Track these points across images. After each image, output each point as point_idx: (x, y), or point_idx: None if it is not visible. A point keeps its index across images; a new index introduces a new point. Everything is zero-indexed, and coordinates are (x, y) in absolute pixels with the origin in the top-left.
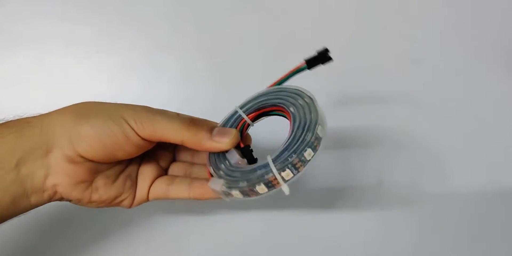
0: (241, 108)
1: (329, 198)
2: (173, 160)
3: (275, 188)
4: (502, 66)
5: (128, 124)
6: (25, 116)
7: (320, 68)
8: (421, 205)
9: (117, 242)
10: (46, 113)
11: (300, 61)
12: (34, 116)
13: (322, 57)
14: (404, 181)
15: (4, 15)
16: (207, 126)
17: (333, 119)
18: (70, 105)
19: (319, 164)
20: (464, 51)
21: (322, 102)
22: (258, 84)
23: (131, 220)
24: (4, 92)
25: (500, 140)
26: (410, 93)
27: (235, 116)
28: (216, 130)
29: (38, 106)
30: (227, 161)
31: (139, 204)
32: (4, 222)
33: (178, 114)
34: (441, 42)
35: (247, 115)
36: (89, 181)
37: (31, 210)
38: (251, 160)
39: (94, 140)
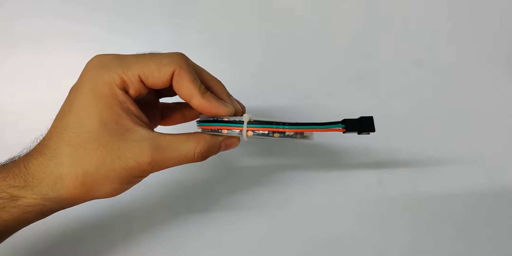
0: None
1: (329, 197)
2: None
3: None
4: (504, 67)
5: None
6: (25, 114)
7: (320, 69)
8: (421, 205)
9: (117, 242)
10: None
11: (300, 62)
12: None
13: (364, 125)
14: (404, 181)
15: (4, 13)
16: None
17: (333, 119)
18: None
19: (320, 163)
20: (465, 52)
21: (322, 103)
22: (251, 84)
23: (132, 220)
24: (4, 90)
25: (500, 140)
26: (410, 93)
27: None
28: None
29: (39, 104)
30: None
31: None
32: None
33: None
34: (442, 42)
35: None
36: None
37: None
38: None
39: None
